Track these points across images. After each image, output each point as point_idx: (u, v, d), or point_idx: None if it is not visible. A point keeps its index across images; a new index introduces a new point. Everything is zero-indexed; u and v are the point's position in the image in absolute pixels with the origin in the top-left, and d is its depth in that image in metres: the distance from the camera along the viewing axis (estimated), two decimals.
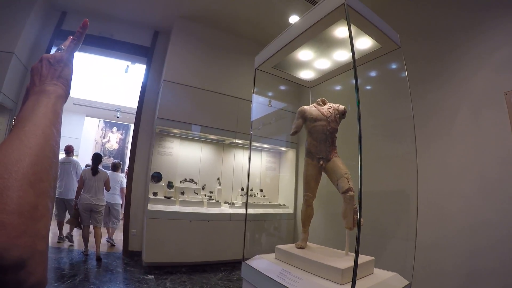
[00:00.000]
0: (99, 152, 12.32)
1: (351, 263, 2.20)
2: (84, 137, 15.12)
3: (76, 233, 7.51)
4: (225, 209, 6.50)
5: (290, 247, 2.95)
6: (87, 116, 15.24)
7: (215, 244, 6.06)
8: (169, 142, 6.69)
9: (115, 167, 7.80)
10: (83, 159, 13.31)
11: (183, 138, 6.83)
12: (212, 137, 6.83)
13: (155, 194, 6.16)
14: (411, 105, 3.17)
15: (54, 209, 6.84)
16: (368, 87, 4.91)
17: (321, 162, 2.92)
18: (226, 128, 6.71)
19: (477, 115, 4.11)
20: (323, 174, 3.01)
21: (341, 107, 3.08)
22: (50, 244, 6.50)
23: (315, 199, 3.07)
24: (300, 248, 2.92)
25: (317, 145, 2.97)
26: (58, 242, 6.95)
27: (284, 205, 7.42)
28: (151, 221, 5.60)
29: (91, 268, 5.40)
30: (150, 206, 5.76)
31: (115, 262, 5.85)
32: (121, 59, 7.76)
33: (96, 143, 15.55)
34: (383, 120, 4.60)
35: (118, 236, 7.54)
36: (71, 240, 7.01)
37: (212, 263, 6.03)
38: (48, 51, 6.38)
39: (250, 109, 3.89)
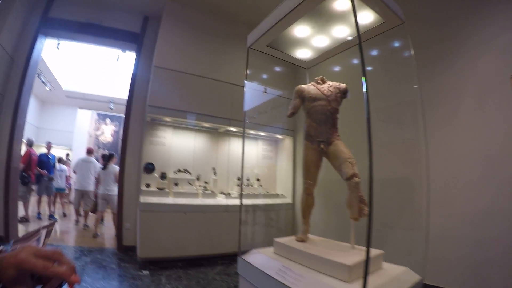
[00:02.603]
0: (93, 145, 13.24)
1: (359, 258, 1.99)
2: (77, 130, 15.04)
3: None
4: (221, 200, 6.31)
5: (289, 241, 2.73)
6: (79, 108, 15.06)
7: (211, 237, 5.86)
8: (161, 131, 6.48)
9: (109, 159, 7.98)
10: (77, 152, 13.28)
11: (176, 127, 6.62)
12: (206, 125, 6.63)
13: (148, 185, 5.98)
14: (419, 86, 2.96)
15: (74, 198, 8.84)
16: (369, 68, 4.63)
17: (322, 146, 2.70)
18: (220, 115, 6.49)
19: (482, 99, 4.03)
20: (324, 160, 2.76)
21: (342, 85, 2.84)
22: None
23: (316, 187, 2.83)
24: (301, 241, 2.71)
25: (316, 127, 2.73)
26: (75, 225, 8.48)
27: (282, 195, 7.22)
28: (144, 214, 5.38)
29: (84, 264, 5.22)
30: (143, 199, 5.52)
31: (109, 258, 5.66)
32: (110, 46, 7.55)
33: (90, 136, 15.40)
34: (386, 103, 4.37)
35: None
36: (85, 225, 8.34)
37: (209, 256, 5.84)
38: (35, 38, 6.31)
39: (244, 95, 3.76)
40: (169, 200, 5.77)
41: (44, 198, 9.12)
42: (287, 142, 7.55)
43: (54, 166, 9.49)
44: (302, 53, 3.59)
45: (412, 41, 2.94)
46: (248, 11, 6.64)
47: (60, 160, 10.51)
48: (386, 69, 4.51)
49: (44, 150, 9.40)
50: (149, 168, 6.17)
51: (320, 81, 2.93)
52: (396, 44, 3.58)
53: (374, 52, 4.18)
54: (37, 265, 0.67)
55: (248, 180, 7.10)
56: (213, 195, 6.34)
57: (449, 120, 4.28)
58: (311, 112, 2.79)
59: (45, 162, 8.80)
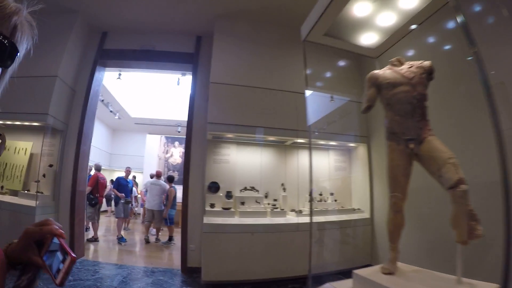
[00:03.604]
0: (163, 167, 14.05)
1: None
2: (147, 154, 15.94)
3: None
4: (291, 218, 5.84)
5: (373, 273, 2.13)
6: (148, 134, 15.98)
7: (281, 259, 5.39)
8: (224, 148, 6.24)
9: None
10: (148, 175, 13.72)
11: (240, 143, 6.34)
12: (271, 138, 6.26)
13: (212, 205, 5.73)
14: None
15: (146, 216, 9.44)
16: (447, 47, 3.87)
17: (411, 145, 2.08)
18: (286, 127, 6.07)
19: None
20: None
21: (426, 63, 2.23)
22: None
23: (406, 201, 2.20)
24: (389, 273, 2.07)
25: (401, 121, 2.14)
26: (147, 239, 8.84)
27: (358, 209, 6.50)
28: (208, 235, 5.16)
29: (145, 286, 5.08)
30: (207, 219, 5.29)
31: (172, 280, 5.47)
32: (167, 69, 7.59)
33: (159, 158, 16.07)
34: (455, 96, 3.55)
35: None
36: (157, 239, 8.98)
37: (278, 280, 5.35)
38: (93, 70, 6.72)
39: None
40: (235, 220, 5.48)
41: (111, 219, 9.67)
42: (361, 150, 6.81)
43: (131, 190, 9.92)
44: (367, 38, 3.01)
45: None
46: (298, 15, 6.17)
47: (135, 184, 11.40)
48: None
49: (118, 175, 10.03)
50: (214, 187, 5.92)
51: (396, 63, 2.33)
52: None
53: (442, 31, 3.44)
54: (36, 229, 0.86)
55: (321, 195, 6.51)
56: (283, 213, 5.92)
57: None
58: (392, 102, 2.24)
59: (123, 185, 9.05)
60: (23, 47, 0.80)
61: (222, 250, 5.12)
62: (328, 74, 5.63)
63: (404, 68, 2.26)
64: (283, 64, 6.47)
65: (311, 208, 3.03)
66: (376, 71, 2.39)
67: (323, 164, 6.76)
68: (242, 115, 5.85)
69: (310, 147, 3.35)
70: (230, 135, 6.05)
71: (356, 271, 2.21)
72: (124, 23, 6.75)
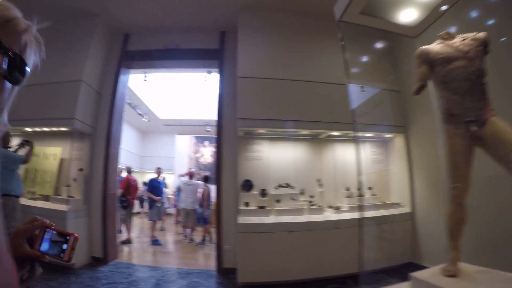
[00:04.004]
0: (193, 167, 14.08)
1: None
2: (177, 155, 16.09)
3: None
4: (329, 215, 5.60)
5: (433, 275, 1.89)
6: (178, 134, 16.14)
7: (319, 258, 5.16)
8: (256, 145, 6.10)
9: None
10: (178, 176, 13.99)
11: (272, 138, 6.18)
12: (305, 132, 6.07)
13: (246, 204, 5.59)
14: None
15: (181, 216, 9.70)
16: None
17: (473, 128, 1.81)
18: (318, 119, 5.82)
19: None
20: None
21: (481, 34, 1.95)
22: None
23: (469, 192, 1.95)
24: (451, 276, 1.82)
25: (460, 100, 1.88)
26: (184, 239, 9.33)
27: (398, 203, 6.18)
28: (243, 235, 5.04)
29: None
30: (242, 219, 5.16)
31: (207, 282, 5.36)
32: (193, 67, 7.52)
33: (190, 158, 16.27)
34: None
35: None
36: (191, 240, 9.06)
37: (316, 280, 5.12)
38: (118, 72, 6.76)
39: (343, 94, 3.12)
40: (271, 219, 5.29)
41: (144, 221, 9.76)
42: (398, 141, 6.49)
43: (163, 191, 9.99)
44: (407, 15, 2.74)
45: None
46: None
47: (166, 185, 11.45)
48: None
49: (149, 176, 10.14)
50: (247, 185, 5.80)
51: (447, 36, 2.07)
52: None
53: None
54: (28, 227, 0.90)
55: (359, 189, 6.19)
56: (320, 210, 5.70)
57: None
58: (448, 80, 1.98)
59: (157, 187, 9.06)
60: (31, 63, 0.81)
61: (258, 250, 4.98)
62: (363, 60, 5.39)
63: (457, 41, 2.00)
64: (313, 54, 6.22)
65: (360, 203, 2.80)
66: (425, 47, 2.14)
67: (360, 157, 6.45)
68: (272, 109, 5.68)
69: (355, 136, 3.11)
70: (261, 131, 5.93)
71: (415, 274, 1.97)
72: (145, 23, 6.72)
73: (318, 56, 6.20)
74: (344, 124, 5.67)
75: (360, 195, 2.52)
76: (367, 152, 6.65)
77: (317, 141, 6.41)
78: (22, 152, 5.29)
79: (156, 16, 6.45)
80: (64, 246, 0.92)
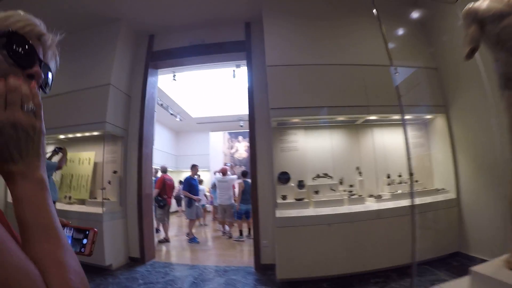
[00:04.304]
0: (228, 163, 14.37)
1: None
2: (212, 152, 16.27)
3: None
4: (371, 205, 5.28)
5: (496, 270, 1.59)
6: (211, 131, 16.30)
7: (361, 251, 4.87)
8: (291, 135, 5.89)
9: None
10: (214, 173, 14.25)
11: (307, 127, 5.95)
12: (341, 118, 5.78)
13: (284, 197, 5.38)
14: None
15: (218, 212, 9.88)
16: None
17: None
18: (355, 103, 5.50)
19: None
20: None
21: None
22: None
23: None
24: None
25: None
26: (222, 235, 9.40)
27: (443, 189, 5.75)
28: (281, 230, 4.84)
29: (217, 287, 4.96)
30: (279, 213, 4.95)
31: (245, 279, 5.24)
32: (219, 61, 7.35)
33: (225, 155, 16.32)
34: None
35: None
36: (230, 236, 9.14)
37: (359, 274, 4.84)
38: (146, 73, 6.84)
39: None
40: (310, 211, 5.04)
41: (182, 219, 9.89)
42: (439, 122, 6.04)
43: (199, 189, 10.19)
44: None
45: None
46: None
47: (200, 182, 11.75)
48: None
49: (185, 175, 10.01)
50: (284, 177, 5.61)
51: None
52: None
53: None
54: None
55: (400, 176, 5.89)
56: (361, 199, 5.39)
57: None
58: (503, 39, 1.68)
59: (194, 185, 9.10)
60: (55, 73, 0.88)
61: (297, 245, 4.78)
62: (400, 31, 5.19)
63: None
64: (344, 35, 5.90)
65: (411, 190, 2.54)
66: (472, 4, 1.86)
67: (398, 141, 5.95)
68: (305, 96, 5.41)
69: (403, 119, 2.82)
70: (295, 120, 5.70)
71: (475, 269, 1.71)
72: (168, 22, 6.71)
73: (350, 36, 5.89)
74: (382, 107, 5.42)
75: (411, 181, 2.27)
76: (407, 135, 6.21)
77: (354, 127, 6.09)
78: (55, 159, 5.45)
79: (179, 13, 6.40)
80: (84, 241, 0.94)
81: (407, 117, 5.88)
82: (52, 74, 0.83)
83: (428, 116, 6.15)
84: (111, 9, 6.15)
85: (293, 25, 5.88)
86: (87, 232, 0.96)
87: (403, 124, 2.77)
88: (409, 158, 2.53)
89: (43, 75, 0.75)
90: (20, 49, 0.71)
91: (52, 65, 0.83)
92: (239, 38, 6.68)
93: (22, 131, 0.62)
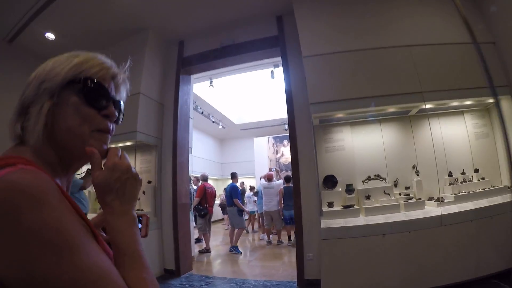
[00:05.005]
0: (274, 167, 14.07)
1: None
2: (257, 157, 16.18)
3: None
4: (431, 210, 4.60)
5: None
6: (255, 137, 16.24)
7: (422, 265, 4.22)
8: (336, 133, 5.37)
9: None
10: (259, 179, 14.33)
11: (353, 122, 5.39)
12: (391, 109, 5.11)
13: (330, 205, 4.86)
14: None
15: (265, 219, 9.83)
16: None
17: None
18: (406, 90, 4.81)
19: None
20: None
21: None
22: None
23: None
24: None
25: None
26: (267, 244, 9.38)
27: None
28: (327, 242, 4.34)
29: None
30: (325, 223, 4.47)
31: None
32: (253, 60, 7.18)
33: (270, 160, 16.17)
34: None
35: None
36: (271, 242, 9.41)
37: None
38: (178, 80, 6.80)
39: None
40: (360, 220, 4.51)
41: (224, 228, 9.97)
42: (506, 105, 4.99)
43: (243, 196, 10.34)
44: None
45: None
46: None
47: (251, 188, 12.95)
48: None
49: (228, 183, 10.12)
50: (330, 182, 5.10)
51: None
52: None
53: None
54: (102, 218, 1.01)
55: (463, 173, 5.12)
56: (420, 204, 4.73)
57: None
58: None
59: (238, 193, 8.99)
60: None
61: (346, 259, 4.29)
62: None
63: None
64: (387, 14, 5.26)
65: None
66: None
67: (458, 132, 5.33)
68: (348, 87, 4.86)
69: (496, 101, 2.26)
70: (339, 115, 5.15)
71: None
72: (197, 26, 6.55)
73: (394, 15, 5.26)
74: (439, 92, 4.74)
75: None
76: (469, 125, 5.43)
77: (407, 119, 5.40)
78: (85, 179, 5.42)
79: (207, 16, 6.23)
80: (139, 226, 0.93)
81: (466, 102, 5.24)
82: (123, 103, 0.92)
83: (490, 100, 5.15)
84: (138, 21, 6.17)
85: (327, 10, 5.37)
86: (140, 218, 1.03)
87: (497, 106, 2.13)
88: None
89: (116, 114, 0.86)
90: (95, 94, 0.79)
91: (123, 96, 0.93)
92: (271, 33, 6.32)
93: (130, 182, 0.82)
